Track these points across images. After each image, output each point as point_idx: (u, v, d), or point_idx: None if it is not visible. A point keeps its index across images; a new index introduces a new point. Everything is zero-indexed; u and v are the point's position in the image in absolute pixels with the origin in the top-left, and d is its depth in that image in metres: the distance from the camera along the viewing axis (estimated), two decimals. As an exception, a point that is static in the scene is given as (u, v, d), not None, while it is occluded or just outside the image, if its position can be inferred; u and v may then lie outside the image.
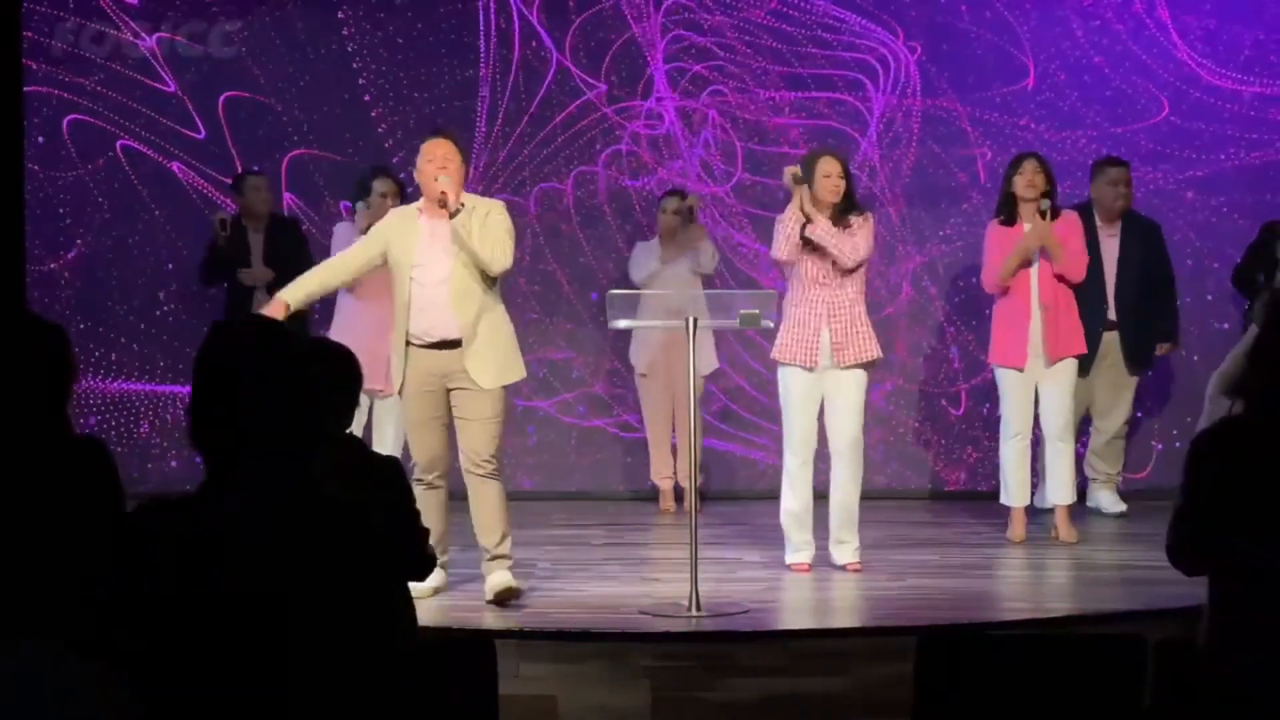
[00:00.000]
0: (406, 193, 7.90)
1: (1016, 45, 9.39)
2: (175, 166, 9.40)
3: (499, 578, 6.49)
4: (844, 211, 7.02)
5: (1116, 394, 8.61)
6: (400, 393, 6.54)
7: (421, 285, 6.44)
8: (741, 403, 9.43)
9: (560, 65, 9.46)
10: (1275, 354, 3.70)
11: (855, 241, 6.99)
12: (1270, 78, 9.35)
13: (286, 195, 9.36)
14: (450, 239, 6.43)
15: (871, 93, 9.43)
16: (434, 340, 6.44)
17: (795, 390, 7.08)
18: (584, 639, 5.85)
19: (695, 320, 6.42)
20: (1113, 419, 8.64)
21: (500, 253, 6.44)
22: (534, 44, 9.46)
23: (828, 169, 7.03)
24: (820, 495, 7.20)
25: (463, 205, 6.40)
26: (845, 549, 7.11)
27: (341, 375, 4.16)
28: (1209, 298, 9.30)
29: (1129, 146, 9.17)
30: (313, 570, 2.93)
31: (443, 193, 6.37)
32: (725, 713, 5.64)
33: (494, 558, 6.51)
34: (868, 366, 7.10)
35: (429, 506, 6.04)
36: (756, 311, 6.49)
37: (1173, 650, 3.98)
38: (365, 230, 7.51)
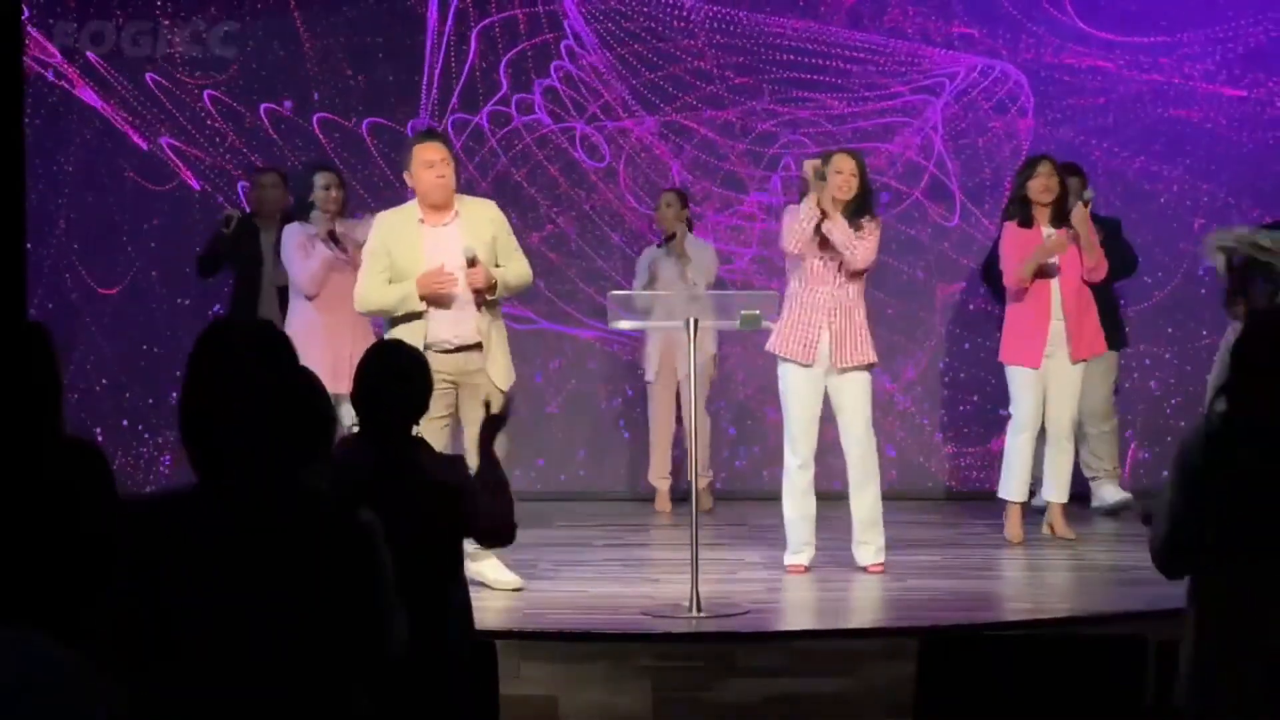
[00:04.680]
0: (348, 183, 8.03)
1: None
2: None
3: (504, 574, 6.69)
4: (855, 213, 6.98)
5: (1087, 383, 8.40)
6: None
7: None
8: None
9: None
10: (1253, 362, 3.69)
11: (866, 244, 6.98)
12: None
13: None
14: (459, 246, 6.46)
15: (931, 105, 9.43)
16: (455, 346, 6.48)
17: (794, 386, 7.06)
18: (585, 639, 5.85)
19: (696, 321, 6.42)
20: (1093, 409, 8.50)
21: (526, 270, 6.68)
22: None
23: (840, 165, 6.99)
24: (838, 497, 7.19)
25: (494, 283, 6.52)
26: (868, 550, 7.09)
27: (408, 373, 4.18)
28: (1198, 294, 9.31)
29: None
30: (307, 573, 2.93)
31: (476, 291, 6.47)
32: (726, 713, 5.64)
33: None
34: (867, 368, 7.10)
35: None
36: (757, 312, 6.48)
37: (1173, 650, 3.98)
38: (328, 234, 7.55)
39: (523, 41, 9.47)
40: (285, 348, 3.08)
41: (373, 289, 6.54)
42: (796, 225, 6.95)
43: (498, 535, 4.38)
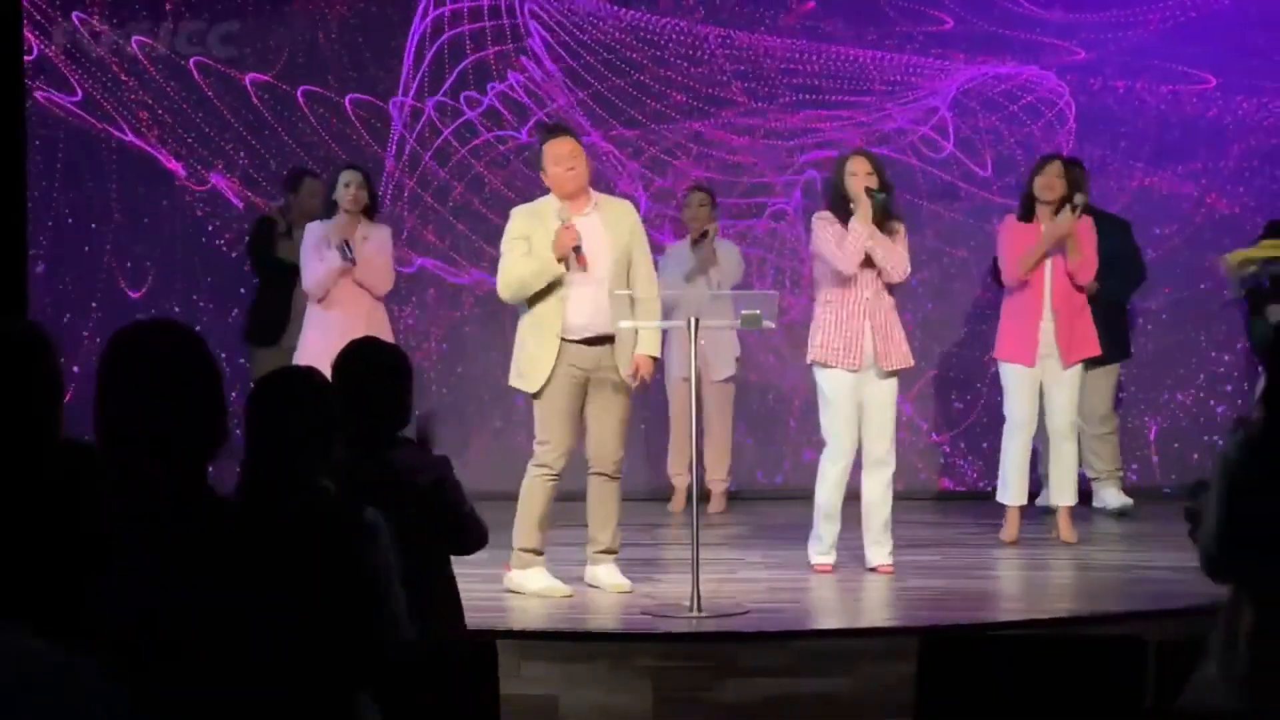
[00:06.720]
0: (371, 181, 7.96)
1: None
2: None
3: (616, 576, 6.72)
4: (880, 216, 6.93)
5: (1089, 387, 8.40)
6: (541, 390, 6.57)
7: (581, 283, 6.55)
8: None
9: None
10: None
11: (901, 253, 6.95)
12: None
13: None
14: (598, 235, 6.58)
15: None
16: (590, 336, 6.57)
17: (839, 393, 6.98)
18: (585, 639, 5.85)
19: (696, 321, 6.41)
20: (1091, 411, 8.50)
21: (652, 274, 6.77)
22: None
23: (854, 167, 6.97)
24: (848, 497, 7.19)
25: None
26: (881, 550, 7.06)
27: (388, 368, 4.14)
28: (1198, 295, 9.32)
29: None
30: (311, 573, 2.93)
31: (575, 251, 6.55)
32: (727, 713, 5.64)
33: (606, 550, 6.73)
34: (902, 374, 7.08)
35: (548, 497, 6.57)
36: (757, 312, 6.47)
37: (1173, 650, 3.98)
38: (343, 242, 7.48)
39: (501, 80, 9.49)
40: (198, 348, 3.04)
41: (510, 266, 6.58)
42: (854, 245, 6.86)
43: (467, 536, 4.35)
